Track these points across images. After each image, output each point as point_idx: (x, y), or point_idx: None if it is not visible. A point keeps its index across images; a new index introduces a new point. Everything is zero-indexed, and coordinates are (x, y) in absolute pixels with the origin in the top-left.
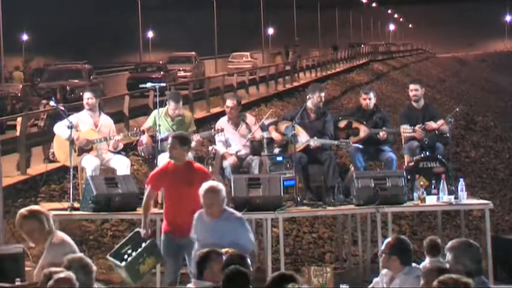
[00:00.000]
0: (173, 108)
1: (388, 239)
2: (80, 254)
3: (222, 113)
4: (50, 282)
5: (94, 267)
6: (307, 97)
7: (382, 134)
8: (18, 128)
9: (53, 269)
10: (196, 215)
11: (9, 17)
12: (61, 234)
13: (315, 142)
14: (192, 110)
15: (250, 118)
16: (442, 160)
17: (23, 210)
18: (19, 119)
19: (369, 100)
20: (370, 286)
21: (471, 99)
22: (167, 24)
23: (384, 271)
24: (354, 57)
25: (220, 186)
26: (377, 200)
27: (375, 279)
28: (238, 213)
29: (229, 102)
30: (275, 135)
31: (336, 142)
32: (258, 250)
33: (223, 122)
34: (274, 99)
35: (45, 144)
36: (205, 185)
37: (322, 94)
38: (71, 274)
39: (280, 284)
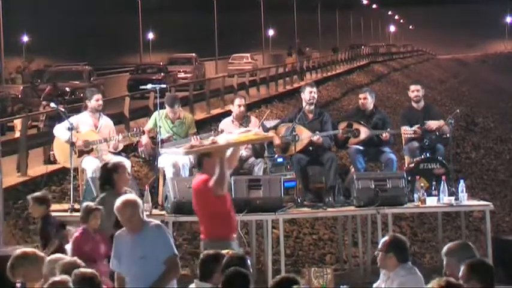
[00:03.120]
0: (169, 112)
1: (385, 238)
2: (73, 258)
3: (223, 114)
4: (45, 285)
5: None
6: (301, 97)
7: (385, 135)
8: (17, 129)
9: (83, 270)
10: (115, 237)
11: (9, 18)
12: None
13: (317, 136)
14: (193, 111)
15: (253, 120)
16: (442, 161)
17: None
18: (16, 121)
19: (365, 100)
20: (374, 286)
21: (471, 100)
22: (167, 25)
23: (383, 270)
24: (355, 58)
25: (136, 197)
26: (377, 201)
27: (378, 281)
28: (155, 221)
29: (238, 101)
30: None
31: (340, 131)
32: (259, 251)
33: (227, 123)
34: (275, 101)
35: (45, 146)
36: (120, 200)
37: (314, 89)
38: (67, 277)
39: (283, 287)
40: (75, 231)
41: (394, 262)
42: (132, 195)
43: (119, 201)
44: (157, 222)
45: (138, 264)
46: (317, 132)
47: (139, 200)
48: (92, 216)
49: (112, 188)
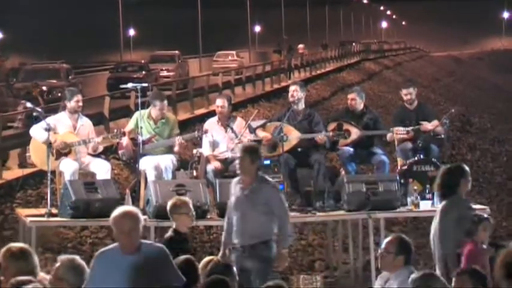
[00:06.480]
0: (160, 108)
1: (389, 238)
2: (72, 256)
3: (207, 115)
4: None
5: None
6: None
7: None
8: None
9: (20, 278)
10: (96, 256)
11: None
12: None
13: (321, 136)
14: (176, 111)
15: (239, 121)
16: (436, 163)
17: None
18: None
19: (354, 101)
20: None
21: (467, 99)
22: (149, 21)
23: (381, 275)
24: (345, 56)
25: (138, 210)
26: (369, 206)
27: (376, 285)
28: (154, 243)
29: (219, 102)
30: (263, 135)
31: (330, 133)
32: None
33: (212, 123)
34: (261, 100)
35: (21, 148)
36: (119, 211)
37: (294, 87)
38: (39, 286)
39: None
40: (465, 245)
41: (401, 264)
42: (133, 207)
43: (117, 212)
44: (158, 244)
45: None
46: (323, 132)
47: (141, 215)
48: (481, 227)
49: (455, 194)
